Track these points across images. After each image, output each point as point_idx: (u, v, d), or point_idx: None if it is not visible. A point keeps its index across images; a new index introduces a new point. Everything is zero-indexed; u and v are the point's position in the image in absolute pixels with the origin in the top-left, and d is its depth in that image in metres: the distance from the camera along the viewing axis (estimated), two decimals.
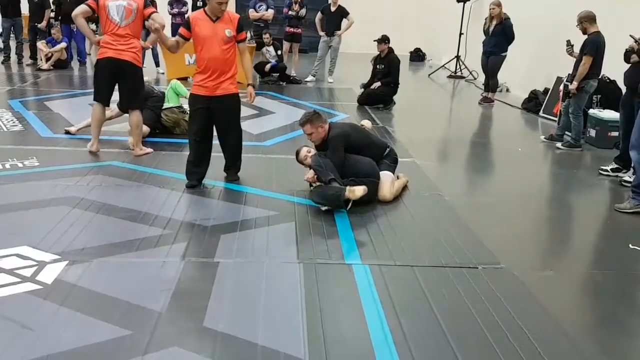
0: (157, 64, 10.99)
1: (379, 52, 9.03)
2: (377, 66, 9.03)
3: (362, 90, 9.18)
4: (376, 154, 4.93)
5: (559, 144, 6.89)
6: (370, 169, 4.70)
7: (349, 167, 4.61)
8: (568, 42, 6.97)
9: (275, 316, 2.95)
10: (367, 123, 5.76)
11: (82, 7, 5.32)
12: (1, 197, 4.40)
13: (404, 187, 4.99)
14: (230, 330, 2.80)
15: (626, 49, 5.66)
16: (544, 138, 7.22)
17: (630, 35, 5.56)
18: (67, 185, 4.69)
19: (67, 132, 6.25)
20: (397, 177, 4.99)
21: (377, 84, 8.87)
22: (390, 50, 8.92)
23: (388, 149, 5.07)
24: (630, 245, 4.10)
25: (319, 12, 10.97)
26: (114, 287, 3.16)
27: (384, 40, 8.88)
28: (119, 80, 5.40)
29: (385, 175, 4.76)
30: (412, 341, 2.79)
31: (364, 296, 3.19)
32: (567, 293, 3.51)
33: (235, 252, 3.69)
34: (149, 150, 5.72)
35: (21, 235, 3.73)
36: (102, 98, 5.51)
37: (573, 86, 6.56)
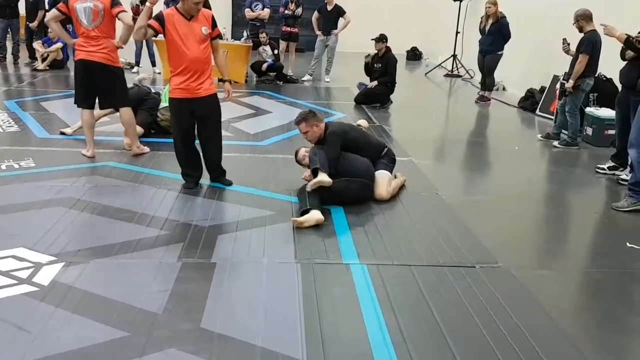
0: (154, 64, 10.96)
1: (376, 51, 9.02)
2: (375, 65, 9.02)
3: (359, 89, 9.18)
4: (374, 153, 4.93)
5: (555, 143, 6.90)
6: (364, 170, 4.68)
7: (344, 166, 4.60)
8: (564, 40, 6.98)
9: (273, 317, 2.94)
10: (363, 122, 5.77)
11: (53, 12, 5.35)
12: None
13: (402, 187, 4.98)
14: (228, 331, 2.79)
15: (622, 47, 5.66)
16: (541, 137, 7.23)
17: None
18: (64, 186, 4.68)
19: (63, 134, 6.23)
20: (395, 177, 4.99)
21: (374, 83, 8.88)
22: (388, 49, 8.92)
23: (386, 149, 5.07)
24: (627, 244, 4.10)
25: (316, 11, 10.97)
26: (111, 288, 3.15)
27: (381, 39, 8.88)
28: (95, 81, 5.36)
29: (382, 174, 4.76)
30: (410, 340, 2.78)
31: (362, 296, 3.19)
32: (565, 292, 3.51)
33: (232, 252, 3.68)
34: (146, 149, 5.70)
35: (17, 236, 3.71)
36: (83, 101, 5.45)
37: (569, 84, 6.57)
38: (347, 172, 4.57)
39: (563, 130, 7.01)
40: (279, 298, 3.14)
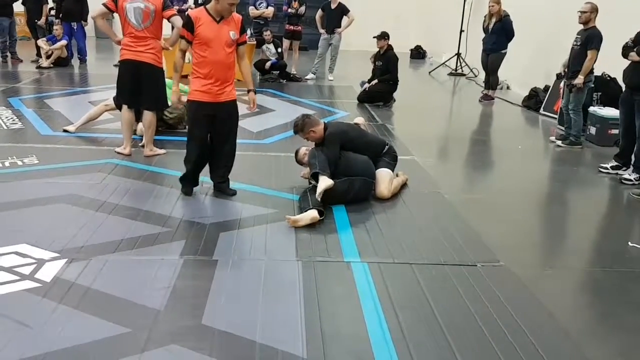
0: None
1: (378, 49, 9.01)
2: (376, 62, 9.02)
3: (362, 88, 9.18)
4: (374, 151, 4.92)
5: (559, 142, 6.86)
6: (364, 168, 4.67)
7: (344, 166, 4.60)
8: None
9: (273, 314, 2.95)
10: (360, 120, 5.68)
11: (100, 9, 5.31)
12: (1, 195, 4.40)
13: (403, 185, 4.98)
14: (229, 328, 2.80)
15: (624, 44, 5.65)
16: (555, 139, 7.09)
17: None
18: (67, 183, 4.70)
19: (66, 131, 6.25)
20: (397, 175, 4.99)
21: (374, 82, 8.88)
22: (390, 47, 8.89)
23: (387, 147, 5.06)
24: (629, 243, 4.09)
25: (320, 9, 10.95)
26: (113, 284, 3.16)
27: (383, 36, 8.86)
28: (140, 81, 5.32)
29: (383, 172, 4.76)
30: (410, 339, 2.79)
31: (363, 294, 3.19)
32: (567, 291, 3.51)
33: (234, 250, 3.69)
34: (161, 151, 5.64)
35: (20, 233, 3.73)
36: (126, 100, 5.44)
37: (579, 81, 6.52)
38: (346, 171, 4.58)
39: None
40: (280, 295, 3.15)
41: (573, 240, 4.43)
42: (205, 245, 3.71)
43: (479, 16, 11.62)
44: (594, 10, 6.42)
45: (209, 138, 4.61)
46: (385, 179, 4.72)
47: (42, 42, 11.07)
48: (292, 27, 11.07)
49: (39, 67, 10.85)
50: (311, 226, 4.07)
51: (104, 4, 5.27)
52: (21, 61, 11.49)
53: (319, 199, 4.24)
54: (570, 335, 2.92)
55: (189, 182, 4.64)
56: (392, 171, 4.91)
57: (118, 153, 5.53)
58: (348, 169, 4.60)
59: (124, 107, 5.51)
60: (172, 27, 5.25)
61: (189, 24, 4.33)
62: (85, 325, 2.77)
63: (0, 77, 10.06)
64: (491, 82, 9.52)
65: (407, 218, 4.40)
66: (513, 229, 4.38)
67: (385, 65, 8.87)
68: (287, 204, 4.50)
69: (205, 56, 4.33)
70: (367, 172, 4.68)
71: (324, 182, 4.28)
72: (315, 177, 4.42)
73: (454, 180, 5.51)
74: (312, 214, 4.09)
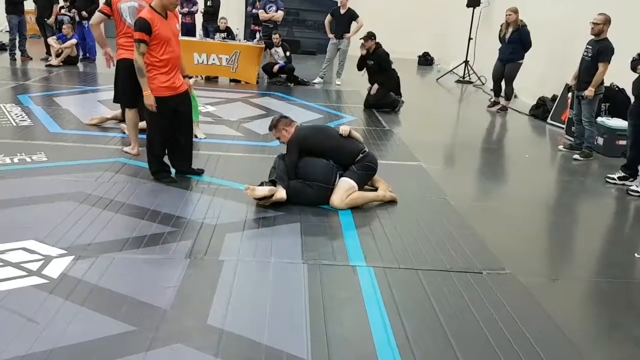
0: None
1: (366, 49, 8.98)
2: (368, 61, 9.04)
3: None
4: (344, 158, 4.70)
5: (576, 155, 6.71)
6: (320, 174, 4.55)
7: (301, 170, 4.60)
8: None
9: (279, 316, 2.96)
10: (344, 129, 5.39)
11: (98, 16, 5.38)
12: (9, 191, 4.43)
13: (391, 202, 4.74)
14: (234, 328, 2.81)
15: (633, 58, 5.65)
16: (563, 148, 7.10)
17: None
18: (75, 181, 4.72)
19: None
20: (376, 188, 4.80)
21: (375, 87, 8.86)
22: (378, 45, 8.94)
23: (362, 155, 4.74)
24: (636, 255, 4.09)
25: (329, 14, 11.00)
26: (120, 282, 3.18)
27: (370, 37, 8.91)
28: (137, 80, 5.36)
29: (342, 182, 4.55)
30: (415, 344, 2.79)
31: (368, 298, 3.20)
32: (572, 300, 3.50)
33: (240, 251, 3.69)
34: (136, 153, 5.57)
35: (28, 229, 3.75)
36: (129, 101, 5.40)
37: (590, 92, 6.52)
38: (303, 176, 4.57)
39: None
40: (285, 298, 3.15)
41: (579, 250, 4.42)
42: (212, 245, 3.72)
43: (488, 24, 11.65)
44: (607, 21, 6.42)
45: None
46: (340, 189, 4.51)
47: (52, 41, 11.15)
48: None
49: (48, 65, 10.91)
50: (316, 229, 4.09)
51: (99, 11, 5.36)
52: (31, 59, 11.56)
53: (267, 204, 4.39)
54: (576, 345, 2.91)
55: (165, 174, 4.93)
56: (359, 181, 4.61)
57: (126, 152, 5.55)
58: (304, 174, 4.58)
59: (127, 110, 5.48)
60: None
61: (146, 27, 4.45)
62: (91, 322, 2.79)
63: (10, 74, 10.12)
64: (506, 92, 9.37)
65: (413, 224, 4.39)
66: (519, 236, 4.38)
67: (377, 63, 8.91)
68: (292, 206, 4.48)
69: (164, 52, 4.58)
70: (325, 178, 4.54)
71: (278, 194, 4.37)
72: (273, 183, 4.47)
73: (460, 187, 5.50)
74: (270, 188, 4.35)
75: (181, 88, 4.79)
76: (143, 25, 4.46)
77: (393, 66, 9.21)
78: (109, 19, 5.41)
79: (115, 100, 5.60)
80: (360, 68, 9.24)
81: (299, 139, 4.72)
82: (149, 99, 4.62)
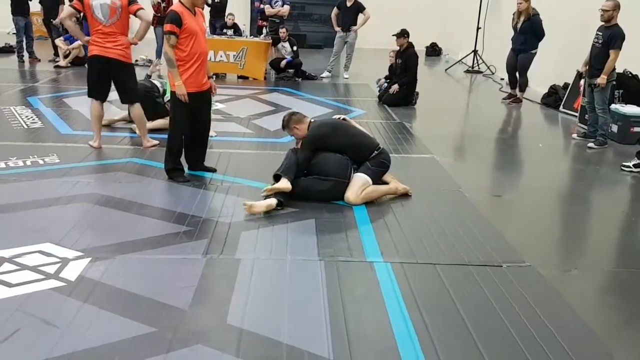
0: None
1: (398, 47, 8.89)
2: (397, 60, 8.90)
3: (379, 88, 9.11)
4: (360, 154, 4.66)
5: (591, 144, 6.61)
6: (336, 169, 4.52)
7: (315, 166, 4.55)
8: None
9: (298, 314, 2.94)
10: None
11: (67, 10, 5.40)
12: (23, 194, 4.43)
13: (405, 195, 4.71)
14: (254, 327, 2.79)
15: None
16: (577, 136, 7.01)
17: None
18: (88, 182, 4.72)
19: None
20: (387, 183, 4.74)
21: (395, 87, 8.58)
22: (410, 45, 8.73)
23: (377, 151, 4.71)
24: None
25: (335, 7, 10.93)
26: (137, 283, 3.17)
27: (403, 34, 8.67)
28: (111, 77, 5.43)
29: (357, 177, 4.53)
30: (436, 337, 2.76)
31: (387, 294, 3.17)
32: (593, 291, 3.46)
33: (256, 249, 3.68)
34: (156, 142, 5.73)
35: (44, 232, 3.75)
36: (96, 95, 5.54)
37: (602, 80, 6.42)
38: (317, 172, 4.53)
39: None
40: (303, 295, 3.13)
41: (597, 240, 4.35)
42: (228, 244, 3.70)
43: (496, 13, 11.54)
44: (617, 7, 6.32)
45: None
46: (355, 184, 4.48)
47: (59, 42, 11.17)
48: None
49: (56, 67, 10.94)
50: (331, 225, 4.07)
51: (70, 5, 5.37)
52: (39, 60, 11.59)
53: (262, 195, 4.33)
54: (598, 336, 2.87)
55: (179, 172, 4.92)
56: (373, 177, 4.59)
57: (90, 145, 5.62)
58: (319, 169, 4.53)
59: (94, 101, 5.57)
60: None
61: (176, 20, 4.51)
62: (110, 324, 2.78)
63: (19, 76, 10.16)
64: (520, 83, 9.13)
65: (428, 217, 4.35)
66: (536, 228, 4.33)
67: (404, 63, 8.72)
68: (306, 202, 4.45)
69: (193, 47, 4.61)
70: (341, 172, 4.52)
71: (281, 184, 4.32)
72: (277, 178, 4.41)
73: (474, 179, 5.45)
74: (269, 201, 4.21)
75: (205, 86, 4.82)
76: (174, 18, 4.52)
77: None
78: (79, 14, 5.42)
79: (89, 94, 5.64)
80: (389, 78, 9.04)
81: (316, 137, 4.65)
82: (180, 89, 4.63)
